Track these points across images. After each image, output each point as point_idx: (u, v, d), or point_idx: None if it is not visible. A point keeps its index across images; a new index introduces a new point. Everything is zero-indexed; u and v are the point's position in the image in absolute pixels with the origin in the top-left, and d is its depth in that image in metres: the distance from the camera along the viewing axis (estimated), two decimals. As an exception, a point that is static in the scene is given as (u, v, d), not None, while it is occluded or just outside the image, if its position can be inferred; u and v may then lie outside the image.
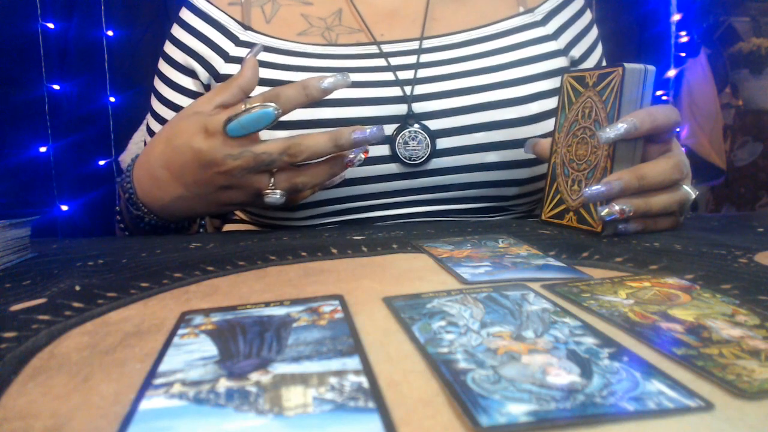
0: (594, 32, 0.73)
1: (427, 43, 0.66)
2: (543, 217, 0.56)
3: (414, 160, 0.61)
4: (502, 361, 0.22)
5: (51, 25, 1.19)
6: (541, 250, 0.41)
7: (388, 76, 0.63)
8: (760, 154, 2.58)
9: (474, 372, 0.21)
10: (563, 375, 0.21)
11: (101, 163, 1.24)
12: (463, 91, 0.62)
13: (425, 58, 0.65)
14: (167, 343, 0.25)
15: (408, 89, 0.62)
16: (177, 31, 0.69)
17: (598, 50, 0.74)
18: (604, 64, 0.74)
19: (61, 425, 0.19)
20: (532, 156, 0.60)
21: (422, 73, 0.64)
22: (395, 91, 0.62)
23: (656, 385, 0.20)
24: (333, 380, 0.21)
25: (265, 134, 0.51)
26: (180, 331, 0.27)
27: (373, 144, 0.51)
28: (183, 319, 0.28)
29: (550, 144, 0.56)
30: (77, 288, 0.35)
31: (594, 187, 0.46)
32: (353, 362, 0.22)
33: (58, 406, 0.20)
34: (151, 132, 0.71)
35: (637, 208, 0.46)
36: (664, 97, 1.71)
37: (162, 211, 0.56)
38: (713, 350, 0.23)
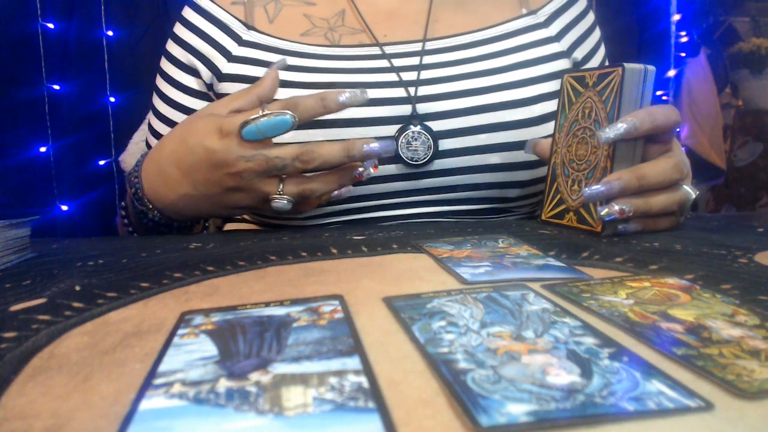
0: (597, 34, 0.73)
1: (430, 45, 0.66)
2: (543, 217, 0.56)
3: (416, 161, 0.61)
4: (502, 361, 0.22)
5: (51, 25, 1.19)
6: (541, 250, 0.41)
7: (391, 77, 0.63)
8: (760, 154, 2.58)
9: (474, 372, 0.21)
10: (563, 375, 0.21)
11: (101, 163, 1.24)
12: (466, 93, 0.63)
13: (428, 59, 0.65)
14: (167, 343, 0.25)
15: (411, 90, 0.63)
16: (180, 29, 0.69)
17: (601, 52, 0.74)
18: (607, 64, 0.74)
19: (61, 425, 0.19)
20: (534, 157, 0.60)
21: (425, 74, 0.64)
22: (398, 92, 0.63)
23: (656, 385, 0.20)
24: (333, 380, 0.21)
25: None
26: (180, 331, 0.27)
27: (383, 157, 0.52)
28: (183, 319, 0.28)
29: (550, 144, 0.56)
30: (77, 288, 0.35)
31: (594, 187, 0.46)
32: (353, 362, 0.22)
33: (58, 406, 0.20)
34: (153, 131, 0.71)
35: (637, 208, 0.46)
36: (664, 97, 1.71)
37: (167, 209, 0.55)
38: (713, 350, 0.23)
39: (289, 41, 0.66)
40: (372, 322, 0.27)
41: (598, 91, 0.50)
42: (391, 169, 0.62)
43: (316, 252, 0.43)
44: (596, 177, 0.49)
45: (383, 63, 0.64)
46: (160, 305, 0.31)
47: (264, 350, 0.24)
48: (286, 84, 0.61)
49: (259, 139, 0.48)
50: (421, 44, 0.66)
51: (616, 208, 0.46)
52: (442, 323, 0.26)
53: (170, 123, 0.69)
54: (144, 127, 1.04)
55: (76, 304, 0.32)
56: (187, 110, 0.68)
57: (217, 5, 0.68)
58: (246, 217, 0.72)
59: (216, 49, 0.67)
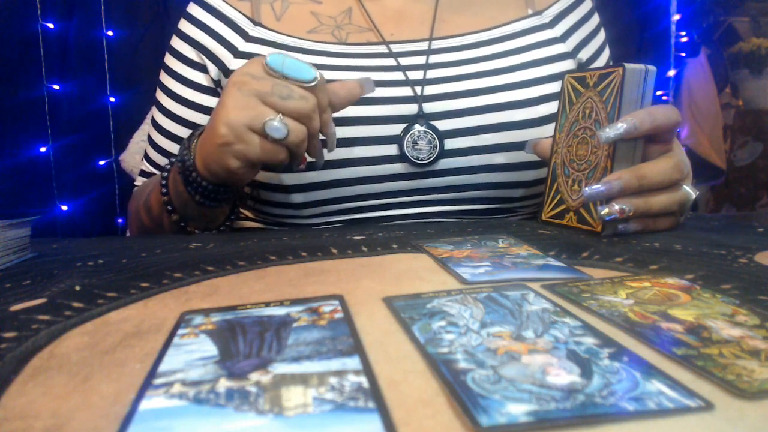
0: (602, 35, 0.74)
1: (436, 44, 0.66)
2: (543, 217, 0.56)
3: (422, 161, 0.61)
4: (502, 361, 0.22)
5: (51, 25, 1.19)
6: (541, 250, 0.41)
7: (398, 75, 0.63)
8: (760, 154, 2.58)
9: (474, 372, 0.21)
10: (563, 375, 0.21)
11: (101, 163, 1.24)
12: (472, 93, 0.63)
13: (434, 59, 0.65)
14: (167, 343, 0.25)
15: (417, 89, 0.63)
16: (185, 25, 0.69)
17: (606, 53, 0.74)
18: (609, 64, 0.74)
19: (61, 425, 0.19)
20: (537, 157, 0.60)
21: (431, 73, 0.64)
22: (404, 91, 0.63)
23: (656, 385, 0.20)
24: (333, 380, 0.21)
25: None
26: (180, 331, 0.27)
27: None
28: (183, 319, 0.28)
29: (551, 144, 0.56)
30: (77, 288, 0.35)
31: (594, 187, 0.46)
32: (353, 362, 0.22)
33: (58, 406, 0.20)
34: (157, 126, 0.71)
35: (637, 207, 0.46)
36: (664, 97, 1.71)
37: (201, 166, 0.53)
38: (713, 350, 0.23)
39: (296, 38, 0.66)
40: (372, 322, 0.27)
41: (599, 91, 0.50)
42: (396, 168, 0.62)
43: (316, 252, 0.43)
44: (596, 177, 0.49)
45: (390, 61, 0.64)
46: (160, 305, 0.31)
47: (264, 350, 0.24)
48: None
49: (278, 71, 0.48)
50: (427, 43, 0.66)
51: (616, 207, 0.46)
52: (442, 323, 0.26)
53: (176, 118, 0.69)
54: (144, 126, 1.04)
55: (76, 304, 0.32)
56: (193, 105, 0.68)
57: (224, 1, 0.69)
58: (249, 215, 0.72)
59: (222, 45, 0.67)
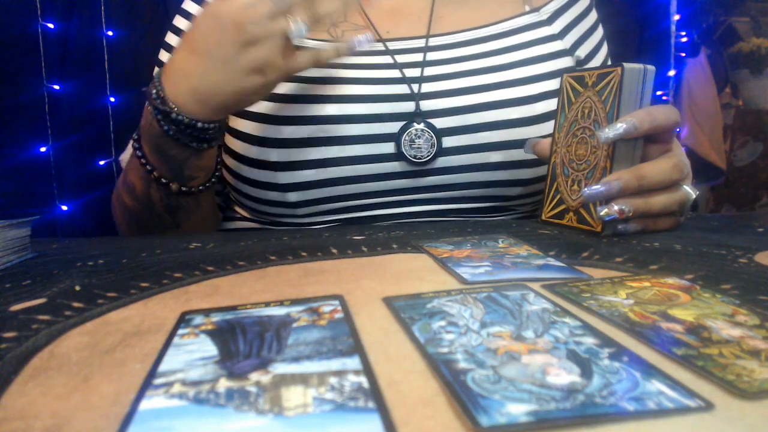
0: (599, 32, 0.73)
1: (433, 41, 0.66)
2: (543, 217, 0.56)
3: (419, 159, 0.61)
4: (502, 361, 0.22)
5: (51, 25, 1.19)
6: (541, 250, 0.41)
7: (394, 73, 0.63)
8: (760, 154, 2.58)
9: (474, 372, 0.21)
10: (563, 375, 0.21)
11: (101, 163, 1.24)
12: (469, 90, 0.62)
13: (431, 56, 0.65)
14: (167, 343, 0.25)
15: (414, 87, 0.62)
16: (180, 21, 0.69)
17: (604, 50, 0.74)
18: (609, 63, 0.74)
19: (61, 425, 0.19)
20: (534, 156, 0.60)
21: (428, 71, 0.64)
22: (401, 89, 0.62)
23: (656, 385, 0.20)
24: (333, 380, 0.21)
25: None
26: (180, 331, 0.27)
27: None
28: (183, 319, 0.28)
29: (550, 144, 0.56)
30: (77, 288, 0.35)
31: (593, 187, 0.46)
32: (353, 362, 0.22)
33: (58, 406, 0.20)
34: None
35: (637, 208, 0.46)
36: (664, 97, 1.71)
37: (190, 100, 0.53)
38: (713, 350, 0.23)
39: None
40: (372, 322, 0.27)
41: (598, 91, 0.50)
42: (393, 167, 0.62)
43: (316, 252, 0.43)
44: (596, 177, 0.49)
45: (386, 59, 0.64)
46: (160, 305, 0.31)
47: (264, 350, 0.24)
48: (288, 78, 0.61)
49: None
50: (424, 40, 0.66)
51: (616, 208, 0.46)
52: (442, 323, 0.26)
53: None
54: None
55: (76, 304, 0.32)
56: None
57: None
58: (246, 215, 0.72)
59: None
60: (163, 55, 0.70)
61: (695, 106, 2.20)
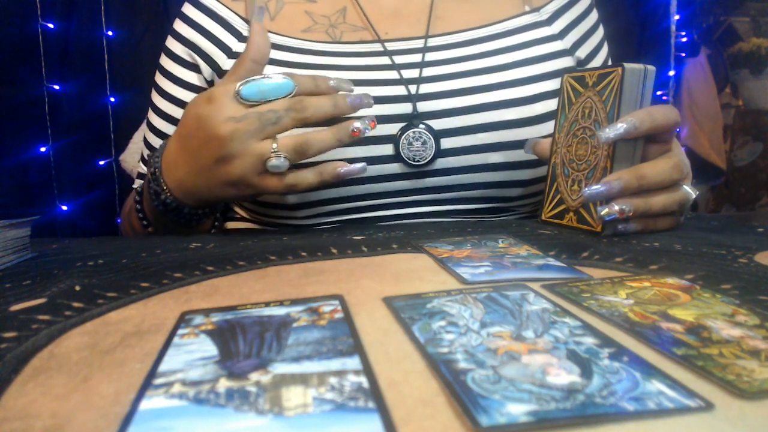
0: (600, 32, 0.73)
1: (432, 42, 0.66)
2: (543, 217, 0.56)
3: (418, 161, 0.61)
4: (502, 361, 0.22)
5: (51, 25, 1.19)
6: (541, 250, 0.41)
7: (393, 74, 0.63)
8: (760, 154, 2.58)
9: (474, 372, 0.21)
10: (563, 375, 0.21)
11: (101, 163, 1.24)
12: (468, 91, 0.62)
13: (430, 56, 0.65)
14: (167, 343, 0.25)
15: (413, 88, 0.62)
16: (179, 25, 0.69)
17: (604, 50, 0.73)
18: (609, 64, 0.74)
19: (61, 425, 0.19)
20: (534, 157, 0.60)
21: (427, 72, 0.64)
22: (399, 90, 0.62)
23: (656, 385, 0.20)
24: (333, 380, 0.21)
25: None
26: (180, 331, 0.27)
27: (365, 107, 0.52)
28: (183, 319, 0.28)
29: (550, 144, 0.56)
30: (77, 288, 0.35)
31: (594, 187, 0.46)
32: (353, 362, 0.22)
33: (58, 406, 0.20)
34: (152, 127, 0.71)
35: (637, 208, 0.46)
36: (664, 97, 1.71)
37: (177, 189, 0.54)
38: (713, 350, 0.23)
39: (291, 37, 0.66)
40: (372, 322, 0.27)
41: (598, 91, 0.50)
42: (392, 168, 0.62)
43: (316, 252, 0.43)
44: (596, 177, 0.49)
45: (385, 60, 0.64)
46: (160, 305, 0.31)
47: (264, 350, 0.24)
48: None
49: (258, 100, 0.48)
50: (422, 41, 0.66)
51: (616, 208, 0.46)
52: (442, 323, 0.26)
53: (170, 119, 0.69)
54: (144, 126, 1.04)
55: (76, 304, 0.32)
56: (185, 106, 0.68)
57: (219, 2, 0.68)
58: (246, 216, 0.72)
59: (216, 46, 0.67)
60: (164, 61, 0.70)
61: (695, 106, 2.20)
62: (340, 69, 0.63)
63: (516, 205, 0.68)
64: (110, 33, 1.21)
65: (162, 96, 0.70)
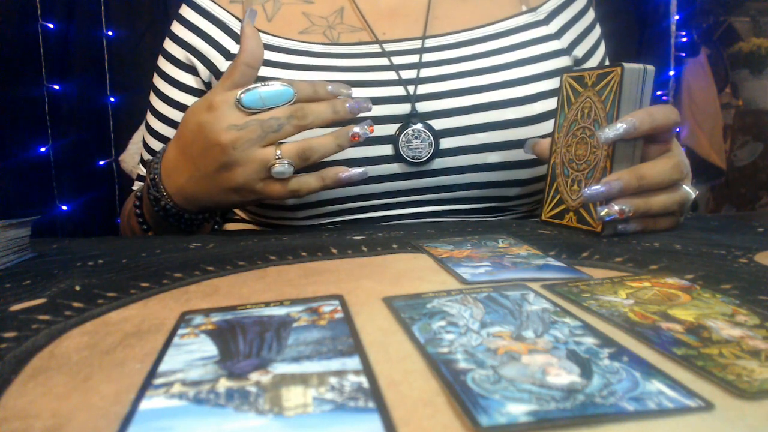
0: (597, 31, 0.73)
1: (430, 42, 0.66)
2: (543, 217, 0.56)
3: (417, 160, 0.61)
4: (502, 361, 0.22)
5: (51, 25, 1.19)
6: (541, 250, 0.41)
7: (391, 75, 0.63)
8: (760, 154, 2.58)
9: (474, 372, 0.21)
10: (563, 375, 0.21)
11: (101, 163, 1.24)
12: (466, 91, 0.62)
13: (427, 57, 0.65)
14: (167, 343, 0.25)
15: (411, 89, 0.62)
16: (177, 28, 0.69)
17: (601, 49, 0.74)
18: (606, 63, 0.74)
19: (61, 425, 0.19)
20: (533, 156, 0.60)
21: (425, 72, 0.64)
22: (398, 91, 0.62)
23: (656, 385, 0.20)
24: (333, 380, 0.21)
25: None
26: (180, 331, 0.27)
27: (363, 112, 0.52)
28: (183, 319, 0.28)
29: (550, 144, 0.56)
30: (77, 288, 0.35)
31: (593, 187, 0.46)
32: (353, 362, 0.22)
33: (58, 406, 0.20)
34: (150, 129, 0.71)
35: (637, 208, 0.46)
36: (664, 98, 1.71)
37: (177, 196, 0.54)
38: (713, 350, 0.23)
39: (288, 39, 0.66)
40: (372, 322, 0.27)
41: (597, 91, 0.50)
42: (391, 168, 0.62)
43: (316, 252, 0.43)
44: (596, 177, 0.49)
45: (383, 61, 0.64)
46: (160, 305, 0.31)
47: (264, 350, 0.24)
48: None
49: (259, 107, 0.48)
50: (420, 42, 0.66)
51: (616, 208, 0.46)
52: (442, 323, 0.26)
53: (168, 121, 0.69)
54: (143, 127, 1.04)
55: (76, 304, 0.32)
56: (184, 108, 0.68)
57: (216, 4, 0.68)
58: (246, 217, 0.72)
59: (214, 48, 0.67)
60: (162, 63, 0.70)
61: (695, 106, 2.20)
62: (338, 70, 0.63)
63: (514, 205, 0.68)
64: (110, 33, 1.21)
65: (160, 98, 0.70)
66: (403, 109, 0.62)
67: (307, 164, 0.50)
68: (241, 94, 0.48)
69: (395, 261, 0.40)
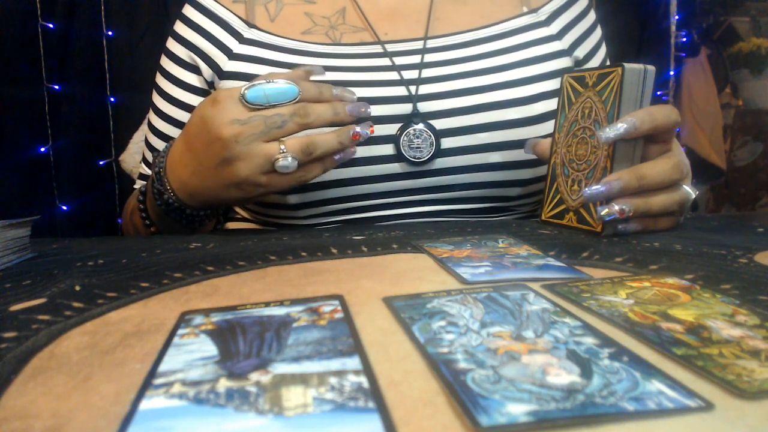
0: (598, 32, 0.74)
1: (431, 43, 0.66)
2: (543, 217, 0.56)
3: (419, 159, 0.61)
4: (502, 361, 0.22)
5: (51, 25, 1.19)
6: (541, 250, 0.41)
7: (393, 75, 0.63)
8: (760, 154, 2.58)
9: (474, 372, 0.21)
10: (563, 375, 0.21)
11: (101, 163, 1.24)
12: (467, 91, 0.62)
13: (429, 57, 0.65)
14: (167, 343, 0.25)
15: (412, 88, 0.62)
16: (180, 27, 0.69)
17: (602, 50, 0.74)
18: (607, 64, 0.74)
19: (61, 425, 0.19)
20: (534, 156, 0.60)
21: (426, 72, 0.64)
22: (400, 91, 0.63)
23: (656, 385, 0.20)
24: (333, 380, 0.21)
25: None
26: (180, 331, 0.27)
27: (363, 116, 0.53)
28: (183, 319, 0.28)
29: (550, 144, 0.56)
30: (77, 288, 0.35)
31: (594, 187, 0.46)
32: (353, 362, 0.22)
33: (58, 406, 0.20)
34: (153, 128, 0.71)
35: (637, 208, 0.46)
36: (664, 98, 1.71)
37: (180, 190, 0.54)
38: (713, 350, 0.23)
39: (291, 39, 0.66)
40: (372, 322, 0.27)
41: (598, 91, 0.50)
42: (393, 168, 0.62)
43: (316, 252, 0.43)
44: (596, 177, 0.49)
45: (385, 61, 0.64)
46: (160, 305, 0.31)
47: (264, 350, 0.24)
48: None
49: (263, 104, 0.48)
50: (422, 42, 0.66)
51: (616, 208, 0.46)
52: (442, 323, 0.26)
53: (171, 120, 0.69)
54: (144, 126, 1.04)
55: (76, 304, 0.32)
56: (188, 107, 0.68)
57: (219, 3, 0.69)
58: (247, 216, 0.72)
59: (217, 47, 0.67)
60: (165, 62, 0.70)
61: (695, 106, 2.20)
62: (341, 70, 0.63)
63: (515, 205, 0.68)
64: (110, 33, 1.21)
65: (162, 97, 0.70)
66: (405, 109, 0.62)
67: (310, 159, 0.50)
68: (245, 89, 0.48)
69: (395, 261, 0.40)
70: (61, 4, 1.19)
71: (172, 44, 0.70)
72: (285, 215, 0.65)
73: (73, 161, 1.23)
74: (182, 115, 0.68)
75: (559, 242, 0.45)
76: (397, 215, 0.64)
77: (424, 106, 0.62)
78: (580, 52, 0.70)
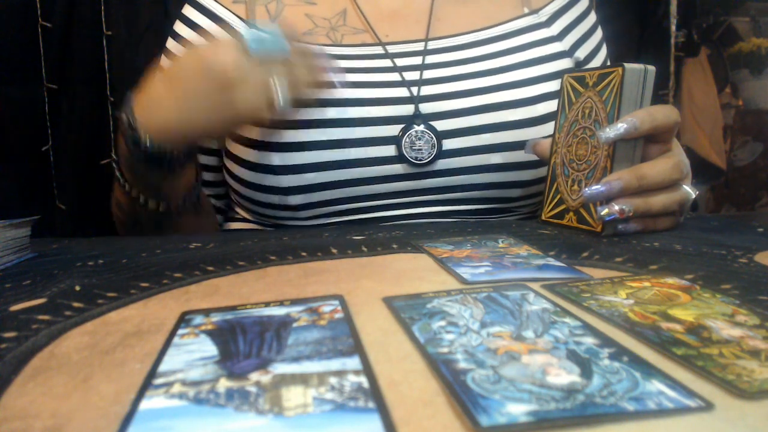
0: (599, 33, 0.74)
1: (432, 44, 0.66)
2: (543, 217, 0.56)
3: (420, 161, 0.61)
4: (502, 361, 0.22)
5: (50, 25, 1.19)
6: (541, 250, 0.41)
7: (394, 76, 0.63)
8: (760, 154, 2.58)
9: (474, 372, 0.21)
10: (563, 375, 0.21)
11: (101, 163, 1.24)
12: (469, 92, 0.62)
13: (430, 59, 0.65)
14: (167, 343, 0.25)
15: (414, 90, 0.62)
16: (179, 27, 0.69)
17: (603, 51, 0.74)
18: (608, 64, 0.74)
19: (61, 425, 0.19)
20: (535, 157, 0.60)
21: (428, 74, 0.64)
22: (401, 92, 0.63)
23: (656, 385, 0.20)
24: (333, 380, 0.21)
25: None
26: (180, 331, 0.27)
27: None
28: (183, 319, 0.28)
29: (550, 144, 0.56)
30: (77, 288, 0.35)
31: (594, 187, 0.46)
32: (353, 362, 0.22)
33: (58, 406, 0.20)
34: None
35: (637, 208, 0.46)
36: (664, 98, 1.71)
37: (159, 133, 0.53)
38: (713, 350, 0.23)
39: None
40: (372, 322, 0.27)
41: (598, 91, 0.50)
42: (394, 169, 0.62)
43: (316, 252, 0.43)
44: (596, 177, 0.49)
45: (386, 62, 0.64)
46: (160, 305, 0.31)
47: (264, 350, 0.24)
48: None
49: (260, 50, 0.50)
50: (423, 44, 0.66)
51: (616, 208, 0.46)
52: (442, 323, 0.26)
53: None
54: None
55: (76, 304, 0.32)
56: None
57: (219, 3, 0.69)
58: (247, 216, 0.72)
59: None
60: (164, 62, 0.70)
61: (695, 106, 2.20)
62: (342, 72, 0.63)
63: (516, 206, 0.68)
64: (110, 33, 1.21)
65: None
66: (407, 110, 0.62)
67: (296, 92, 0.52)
68: (245, 36, 0.50)
69: (395, 261, 0.40)
70: (61, 4, 1.19)
71: (171, 44, 0.70)
72: (286, 216, 0.65)
73: (73, 161, 1.23)
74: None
75: (559, 242, 0.45)
76: (399, 216, 0.64)
77: (426, 108, 0.62)
78: (581, 53, 0.70)
